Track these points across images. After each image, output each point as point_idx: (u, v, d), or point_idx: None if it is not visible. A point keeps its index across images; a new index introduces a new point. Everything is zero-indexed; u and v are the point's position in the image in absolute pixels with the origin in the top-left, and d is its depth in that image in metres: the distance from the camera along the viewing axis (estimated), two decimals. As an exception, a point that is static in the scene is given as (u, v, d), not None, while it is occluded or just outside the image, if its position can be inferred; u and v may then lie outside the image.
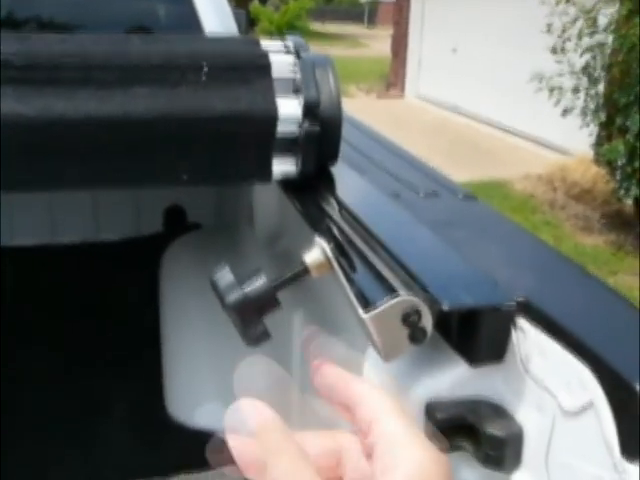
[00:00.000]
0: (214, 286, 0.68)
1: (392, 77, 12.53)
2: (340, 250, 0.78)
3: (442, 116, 10.34)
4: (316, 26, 21.04)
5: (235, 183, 1.38)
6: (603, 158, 5.84)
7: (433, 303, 0.71)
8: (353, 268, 0.76)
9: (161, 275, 2.95)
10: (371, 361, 0.87)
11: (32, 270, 2.95)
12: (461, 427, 0.78)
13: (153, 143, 1.06)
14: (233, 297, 0.65)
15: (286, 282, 0.72)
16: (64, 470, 2.16)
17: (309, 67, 1.13)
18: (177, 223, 3.30)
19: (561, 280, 0.86)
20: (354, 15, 26.15)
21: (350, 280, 0.74)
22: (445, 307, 0.68)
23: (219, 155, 1.09)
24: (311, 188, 1.11)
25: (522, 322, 0.74)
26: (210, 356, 2.49)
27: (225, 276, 0.68)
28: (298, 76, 1.12)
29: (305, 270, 0.72)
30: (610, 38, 5.62)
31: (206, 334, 2.53)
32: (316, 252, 0.72)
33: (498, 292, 0.75)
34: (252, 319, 0.68)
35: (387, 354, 0.74)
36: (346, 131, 1.17)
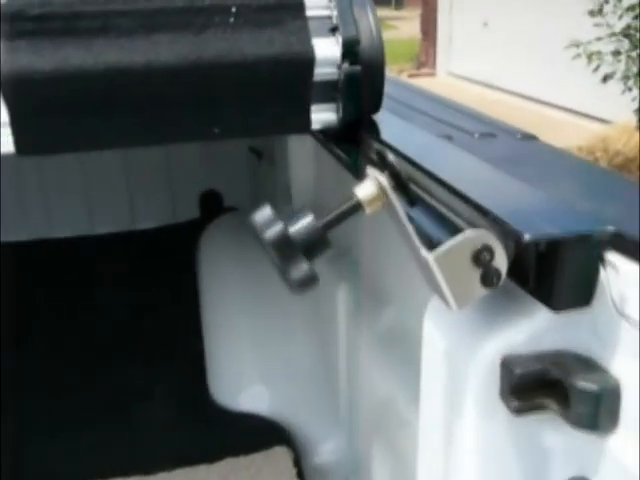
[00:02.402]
0: (252, 223, 0.59)
1: (423, 56, 12.30)
2: (396, 184, 0.68)
3: (475, 92, 10.11)
4: (342, 10, 20.75)
5: (271, 134, 1.29)
6: (645, 124, 5.61)
7: (509, 237, 0.61)
8: (412, 204, 0.66)
9: (200, 260, 2.89)
10: (434, 314, 0.77)
11: (74, 261, 2.92)
12: (544, 383, 0.68)
13: (179, 94, 0.97)
14: (273, 232, 0.55)
15: (337, 219, 0.62)
16: (110, 453, 2.13)
17: (346, 4, 1.03)
18: (213, 208, 3.24)
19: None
20: (381, -3, 25.84)
21: (409, 217, 0.64)
22: (527, 238, 0.58)
23: (252, 104, 0.99)
24: (354, 135, 1.01)
25: (612, 256, 0.63)
26: (252, 339, 2.43)
27: (264, 212, 0.59)
28: (335, 14, 1.02)
29: (358, 205, 0.62)
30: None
31: (248, 317, 2.47)
32: (369, 185, 0.63)
33: (585, 221, 0.64)
34: (295, 258, 0.58)
35: (457, 300, 0.64)
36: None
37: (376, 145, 0.88)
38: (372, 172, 0.63)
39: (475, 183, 0.74)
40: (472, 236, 0.61)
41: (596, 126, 7.52)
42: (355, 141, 1.02)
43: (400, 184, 0.70)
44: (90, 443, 2.14)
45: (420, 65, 12.44)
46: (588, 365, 0.66)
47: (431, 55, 12.23)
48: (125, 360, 2.46)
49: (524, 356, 0.68)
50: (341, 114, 1.02)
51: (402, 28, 18.56)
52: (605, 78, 5.81)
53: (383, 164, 0.77)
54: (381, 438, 1.64)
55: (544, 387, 0.68)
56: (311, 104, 1.00)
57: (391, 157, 0.78)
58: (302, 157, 1.99)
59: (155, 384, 2.39)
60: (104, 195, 3.08)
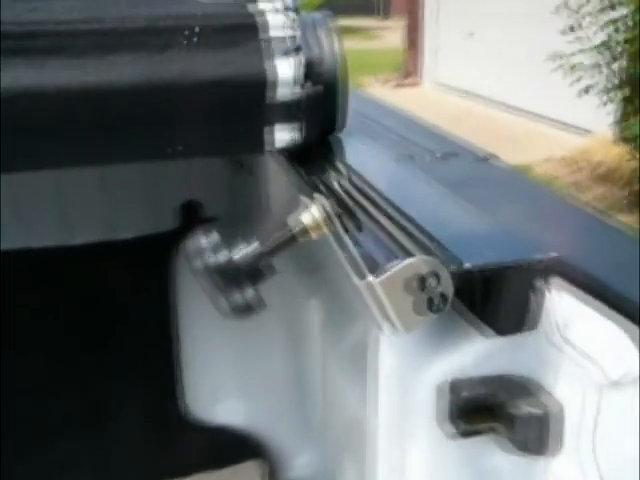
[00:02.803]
0: (185, 251, 0.59)
1: (409, 66, 12.36)
2: (343, 210, 0.68)
3: (460, 103, 10.16)
4: (329, 20, 20.77)
5: (226, 154, 1.28)
6: (626, 135, 5.66)
7: (453, 263, 0.61)
8: (359, 229, 0.67)
9: (179, 270, 2.88)
10: (386, 337, 0.77)
11: (48, 272, 2.90)
12: (491, 407, 0.68)
13: (134, 114, 0.96)
14: (203, 261, 0.55)
15: (276, 248, 0.62)
16: (79, 471, 2.11)
17: (307, 25, 1.03)
18: (193, 218, 3.22)
19: (596, 235, 0.75)
20: (367, 7, 25.95)
21: (356, 242, 0.64)
22: (467, 265, 0.59)
23: (205, 125, 0.99)
24: (316, 154, 1.01)
25: (556, 282, 0.64)
26: (227, 352, 2.42)
27: (197, 240, 0.59)
28: (297, 34, 1.02)
29: (302, 231, 0.63)
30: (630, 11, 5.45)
31: (224, 329, 2.45)
32: (313, 210, 0.63)
33: (527, 249, 0.65)
34: (240, 285, 0.59)
35: (404, 325, 0.65)
36: (354, 101, 1.07)
37: (328, 167, 0.88)
38: (317, 197, 0.64)
39: (426, 207, 0.74)
40: (418, 262, 0.62)
41: (577, 137, 7.58)
42: (317, 161, 1.02)
43: (347, 211, 0.70)
44: (58, 459, 2.11)
45: (406, 75, 12.49)
46: (533, 389, 0.67)
47: (417, 65, 12.29)
48: (96, 372, 2.44)
49: (471, 379, 0.68)
50: (304, 134, 1.02)
51: (388, 38, 18.65)
52: (586, 90, 5.87)
53: (327, 188, 0.77)
54: (354, 453, 1.63)
55: (491, 410, 0.68)
56: (264, 125, 1.01)
57: (335, 181, 0.78)
58: (279, 168, 1.98)
59: (127, 397, 2.37)
60: (81, 204, 3.06)
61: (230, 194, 3.18)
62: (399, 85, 11.94)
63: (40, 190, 2.70)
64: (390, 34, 18.48)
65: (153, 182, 2.89)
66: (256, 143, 1.00)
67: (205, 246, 0.61)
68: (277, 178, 2.05)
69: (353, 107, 1.16)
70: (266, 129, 1.01)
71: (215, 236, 0.62)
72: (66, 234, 3.06)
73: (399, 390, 0.77)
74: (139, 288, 2.86)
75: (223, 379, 2.37)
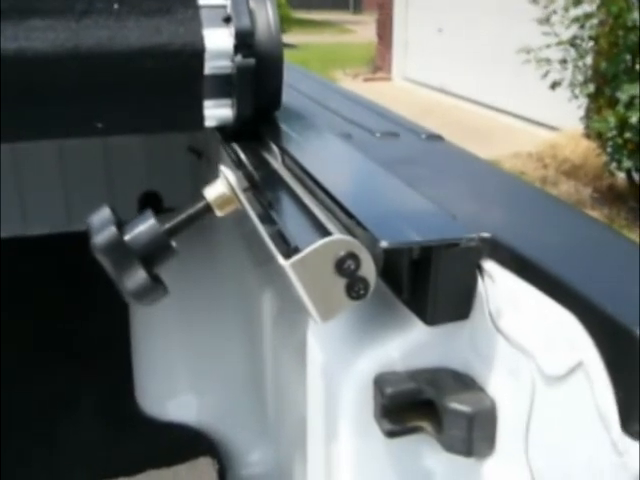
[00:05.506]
0: (87, 226, 0.52)
1: (378, 60, 12.33)
2: (256, 186, 0.61)
3: (430, 97, 10.15)
4: (301, 14, 20.77)
5: (161, 131, 1.20)
6: (593, 131, 5.67)
7: (374, 244, 0.55)
8: (273, 207, 0.60)
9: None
10: (316, 326, 0.71)
11: (3, 262, 2.80)
12: (419, 404, 0.62)
13: (55, 85, 0.89)
14: (104, 236, 0.48)
15: (183, 223, 0.55)
16: (31, 468, 2.04)
17: (240, -7, 0.96)
18: (153, 209, 3.15)
19: (537, 214, 0.69)
20: (341, 1, 25.93)
21: (267, 220, 0.57)
22: (383, 245, 0.52)
23: (137, 98, 0.92)
24: (251, 134, 0.94)
25: (490, 265, 0.58)
26: (180, 348, 2.35)
27: (101, 215, 0.52)
28: (228, 3, 0.95)
29: (206, 207, 0.56)
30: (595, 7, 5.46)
31: (178, 324, 2.39)
32: (220, 185, 0.56)
33: (456, 228, 0.58)
34: (130, 267, 0.52)
35: (321, 313, 0.58)
36: (297, 80, 1.00)
37: (261, 146, 0.81)
38: (225, 171, 0.57)
39: (353, 185, 0.68)
40: (333, 242, 0.55)
41: (545, 133, 7.62)
42: (254, 140, 0.95)
43: (260, 188, 0.63)
44: (9, 456, 2.04)
45: (376, 69, 12.48)
46: (465, 384, 0.61)
47: (387, 59, 12.29)
48: (49, 367, 2.36)
49: (398, 374, 0.62)
50: (236, 110, 0.95)
51: (360, 32, 18.61)
52: (553, 85, 5.87)
53: (255, 167, 0.70)
54: (302, 450, 1.58)
55: (419, 407, 0.62)
56: (203, 99, 0.93)
57: (264, 160, 0.71)
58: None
59: (79, 394, 2.30)
60: (38, 194, 2.96)
61: (190, 184, 3.11)
62: (368, 79, 11.92)
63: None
64: (363, 28, 18.43)
65: (113, 172, 2.81)
66: (194, 118, 0.92)
67: (94, 224, 0.54)
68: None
69: (297, 86, 1.09)
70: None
71: (105, 213, 0.55)
72: (23, 225, 2.97)
73: (326, 384, 0.70)
74: (94, 281, 2.76)
75: (176, 375, 2.31)
